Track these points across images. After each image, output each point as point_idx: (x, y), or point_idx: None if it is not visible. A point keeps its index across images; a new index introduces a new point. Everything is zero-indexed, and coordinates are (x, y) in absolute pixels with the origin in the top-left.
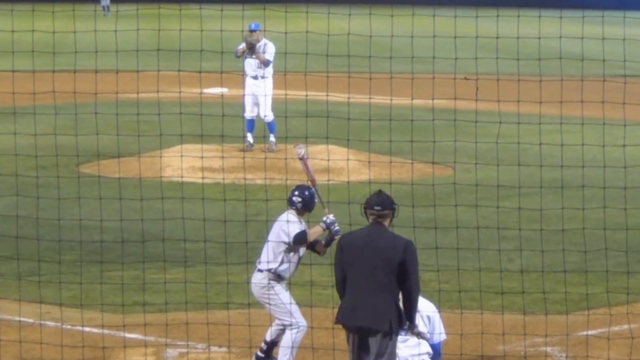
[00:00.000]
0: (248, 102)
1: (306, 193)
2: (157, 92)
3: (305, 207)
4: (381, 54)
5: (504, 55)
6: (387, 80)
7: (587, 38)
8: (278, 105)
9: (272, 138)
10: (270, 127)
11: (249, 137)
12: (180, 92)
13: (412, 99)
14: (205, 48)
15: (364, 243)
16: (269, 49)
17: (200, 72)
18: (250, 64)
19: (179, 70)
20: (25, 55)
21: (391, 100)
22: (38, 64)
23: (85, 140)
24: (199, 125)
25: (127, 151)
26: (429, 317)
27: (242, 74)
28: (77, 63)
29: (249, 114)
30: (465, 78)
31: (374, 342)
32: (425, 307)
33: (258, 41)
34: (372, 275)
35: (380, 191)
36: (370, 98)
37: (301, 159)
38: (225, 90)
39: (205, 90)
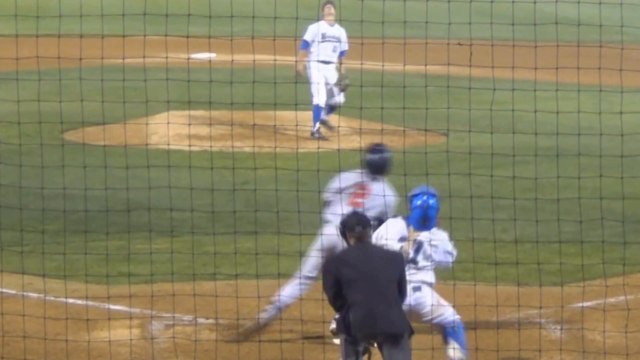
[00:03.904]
0: (322, 88)
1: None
2: (143, 57)
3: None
4: (373, 18)
5: (499, 20)
6: (379, 45)
7: (583, 2)
8: (267, 71)
9: (328, 117)
10: (335, 110)
11: (318, 125)
12: (167, 58)
13: (405, 65)
14: (193, 12)
15: (360, 259)
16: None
17: (187, 36)
18: (326, 47)
19: (166, 35)
20: (8, 19)
21: (383, 66)
22: (21, 28)
23: (70, 106)
24: (186, 91)
25: (112, 118)
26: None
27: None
28: (61, 27)
29: (323, 100)
30: (459, 43)
31: (394, 349)
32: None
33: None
34: (377, 287)
35: (355, 211)
36: (361, 64)
37: None
38: (213, 55)
39: (193, 56)
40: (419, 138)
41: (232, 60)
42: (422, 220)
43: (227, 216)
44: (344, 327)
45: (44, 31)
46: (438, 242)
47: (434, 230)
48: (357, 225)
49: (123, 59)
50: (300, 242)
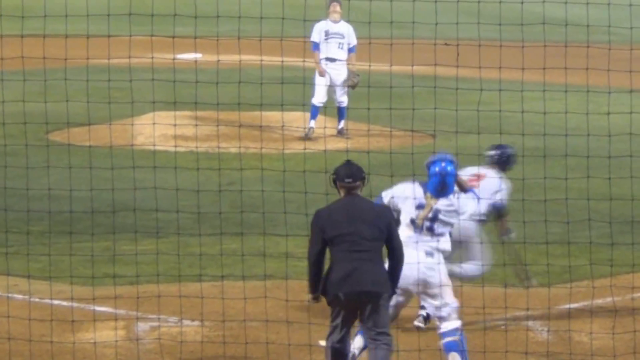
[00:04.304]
0: (322, 89)
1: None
2: (129, 57)
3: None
4: (359, 18)
5: (486, 20)
6: (366, 45)
7: (570, 3)
8: (253, 72)
9: (343, 124)
10: (344, 112)
11: (312, 123)
12: (152, 58)
13: (391, 65)
14: (178, 12)
15: (345, 215)
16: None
17: (173, 37)
18: (330, 45)
19: (152, 35)
20: None
21: (369, 66)
22: (6, 28)
23: (55, 107)
24: (172, 92)
25: (97, 118)
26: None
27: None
28: (46, 27)
29: (320, 100)
30: (446, 44)
31: (373, 312)
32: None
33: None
34: (361, 245)
35: (349, 161)
36: (348, 64)
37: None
38: (199, 55)
39: (179, 56)
40: (406, 139)
41: (218, 61)
42: (440, 187)
43: (213, 217)
44: (322, 288)
45: (28, 31)
46: (455, 206)
47: (451, 197)
48: (346, 177)
49: (108, 59)
50: (286, 243)
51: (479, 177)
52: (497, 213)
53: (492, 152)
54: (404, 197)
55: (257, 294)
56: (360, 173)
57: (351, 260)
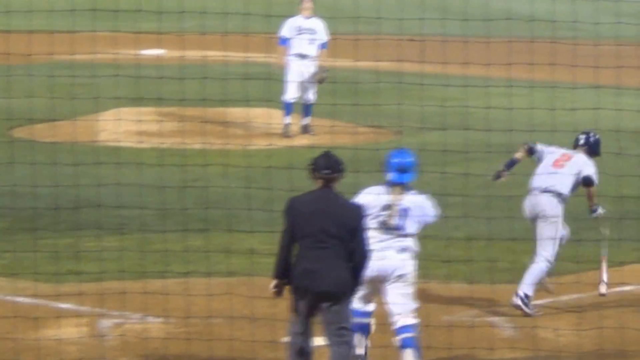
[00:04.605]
0: (292, 85)
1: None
2: (93, 53)
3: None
4: (324, 14)
5: (451, 16)
6: (331, 41)
7: None
8: (217, 67)
9: (308, 120)
10: (310, 109)
11: (288, 119)
12: (116, 54)
13: (356, 61)
14: (142, 8)
15: (315, 209)
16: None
17: (137, 32)
18: (301, 41)
19: (116, 31)
20: None
21: (334, 62)
22: None
23: (18, 103)
24: (136, 87)
25: (61, 115)
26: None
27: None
28: (10, 23)
29: (292, 96)
30: (411, 40)
31: (334, 308)
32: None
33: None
34: (327, 242)
35: (327, 153)
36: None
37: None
38: (163, 51)
39: (143, 52)
40: (371, 135)
41: (183, 57)
42: (399, 168)
43: (177, 213)
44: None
45: None
46: (421, 203)
47: (414, 193)
48: (324, 168)
49: (72, 55)
50: (251, 239)
51: (566, 155)
52: (584, 182)
53: (580, 136)
54: (369, 202)
55: (222, 290)
56: (339, 165)
57: (314, 257)
